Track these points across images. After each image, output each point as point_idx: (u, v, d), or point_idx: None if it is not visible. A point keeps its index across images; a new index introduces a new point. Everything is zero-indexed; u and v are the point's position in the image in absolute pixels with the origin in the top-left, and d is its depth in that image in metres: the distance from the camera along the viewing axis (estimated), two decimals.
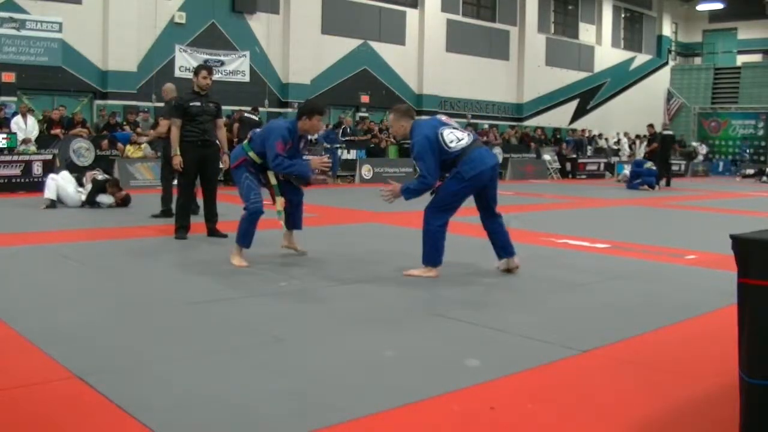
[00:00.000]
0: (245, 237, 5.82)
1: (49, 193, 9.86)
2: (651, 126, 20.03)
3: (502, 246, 5.61)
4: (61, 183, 10.06)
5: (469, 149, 5.36)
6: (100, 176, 10.40)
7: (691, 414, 2.84)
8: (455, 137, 5.40)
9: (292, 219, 6.13)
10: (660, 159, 18.78)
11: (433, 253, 5.42)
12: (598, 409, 2.85)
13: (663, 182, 18.74)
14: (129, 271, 5.60)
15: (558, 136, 24.65)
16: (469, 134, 5.54)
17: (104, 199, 9.97)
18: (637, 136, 27.98)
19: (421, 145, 5.31)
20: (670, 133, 19.64)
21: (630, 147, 26.71)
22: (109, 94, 17.46)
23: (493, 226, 5.65)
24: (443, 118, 5.71)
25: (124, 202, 10.05)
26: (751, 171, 25.58)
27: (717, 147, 29.93)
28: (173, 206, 8.67)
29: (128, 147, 14.65)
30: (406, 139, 5.72)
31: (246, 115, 15.88)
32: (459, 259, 6.44)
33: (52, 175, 10.40)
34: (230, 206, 10.03)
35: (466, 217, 10.20)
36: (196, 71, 7.35)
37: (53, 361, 3.19)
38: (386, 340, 3.72)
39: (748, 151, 28.69)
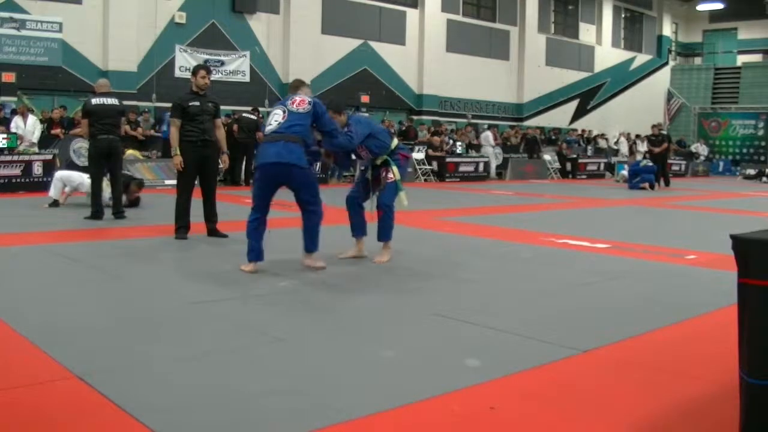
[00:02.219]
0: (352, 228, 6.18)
1: (54, 192, 9.86)
2: (657, 126, 19.98)
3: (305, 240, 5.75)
4: (73, 176, 10.04)
5: (264, 139, 5.61)
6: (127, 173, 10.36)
7: (691, 414, 2.84)
8: (271, 120, 5.57)
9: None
10: (657, 159, 18.80)
11: (247, 249, 5.51)
12: (598, 409, 2.85)
13: (662, 182, 18.71)
14: (129, 271, 5.60)
15: (554, 137, 24.64)
16: (279, 123, 5.47)
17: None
18: (637, 136, 27.97)
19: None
20: (664, 133, 19.59)
21: (630, 148, 26.63)
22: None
23: (304, 218, 5.76)
24: (296, 99, 5.60)
25: (133, 203, 9.90)
26: (752, 171, 25.49)
27: (717, 147, 29.93)
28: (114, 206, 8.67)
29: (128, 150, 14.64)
30: None
31: (244, 115, 15.88)
32: (458, 258, 6.44)
33: (58, 174, 10.34)
34: (230, 206, 10.04)
35: (463, 216, 10.21)
36: (195, 71, 7.35)
37: (53, 361, 3.19)
38: (386, 340, 3.72)
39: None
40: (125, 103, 17.20)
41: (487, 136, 21.59)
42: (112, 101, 8.84)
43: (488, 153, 21.21)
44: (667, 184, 18.62)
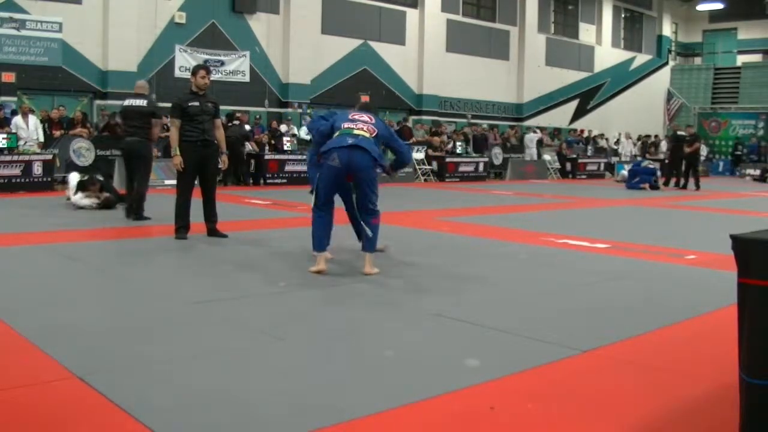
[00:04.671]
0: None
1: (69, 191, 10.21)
2: (690, 126, 20.02)
3: None
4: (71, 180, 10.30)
5: None
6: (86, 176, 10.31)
7: (691, 414, 2.84)
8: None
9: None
10: (673, 159, 18.78)
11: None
12: (598, 409, 2.85)
13: (672, 183, 18.60)
14: (129, 271, 5.60)
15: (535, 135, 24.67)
16: None
17: (85, 201, 9.73)
18: (639, 137, 27.99)
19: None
20: (683, 134, 19.52)
21: (632, 148, 26.63)
22: (109, 94, 17.45)
23: None
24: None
25: (106, 204, 9.74)
26: (756, 172, 25.35)
27: (717, 147, 29.93)
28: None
29: None
30: None
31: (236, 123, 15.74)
32: (458, 258, 6.45)
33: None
34: (230, 206, 10.04)
35: (463, 216, 10.21)
36: (194, 71, 7.34)
37: (53, 361, 3.19)
38: (386, 340, 3.72)
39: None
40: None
41: (533, 138, 22.17)
42: (140, 102, 8.96)
43: (533, 155, 21.89)
44: (677, 185, 18.03)
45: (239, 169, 15.54)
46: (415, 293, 4.96)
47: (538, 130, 23.92)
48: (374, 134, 5.55)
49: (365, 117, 5.66)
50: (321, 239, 5.50)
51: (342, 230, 6.31)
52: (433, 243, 7.41)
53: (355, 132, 5.46)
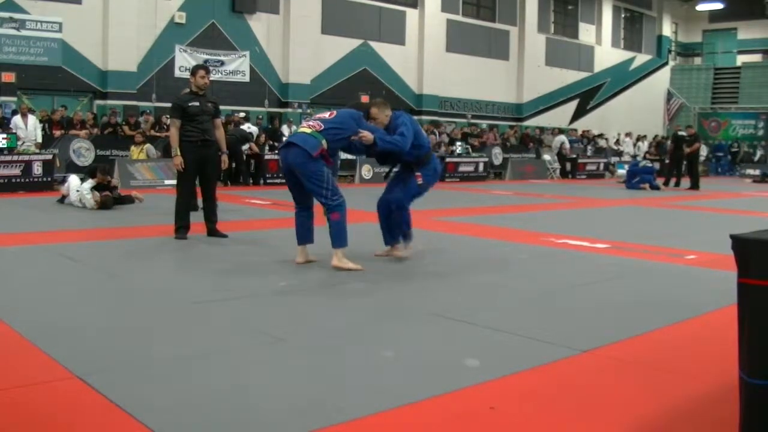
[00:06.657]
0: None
1: (64, 189, 10.36)
2: (690, 127, 20.22)
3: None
4: (72, 181, 10.30)
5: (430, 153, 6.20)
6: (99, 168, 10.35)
7: (691, 414, 2.84)
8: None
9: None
10: (673, 159, 18.76)
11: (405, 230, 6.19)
12: (598, 409, 2.85)
13: (672, 182, 18.60)
14: (129, 271, 5.60)
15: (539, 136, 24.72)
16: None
17: (89, 197, 9.69)
18: (639, 137, 28.01)
19: (410, 123, 5.88)
20: (684, 134, 19.53)
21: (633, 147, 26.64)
22: (109, 94, 17.47)
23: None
24: None
25: (104, 204, 9.71)
26: (756, 172, 25.27)
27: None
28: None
29: (132, 148, 14.65)
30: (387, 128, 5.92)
31: (244, 127, 15.61)
32: (457, 258, 6.45)
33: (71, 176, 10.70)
34: (230, 206, 10.04)
35: (463, 216, 10.20)
36: (194, 71, 7.35)
37: (53, 361, 3.19)
38: (386, 340, 3.72)
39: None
40: (124, 103, 17.44)
41: (561, 140, 22.52)
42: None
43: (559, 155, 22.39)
44: (696, 186, 17.93)
45: (239, 170, 15.53)
46: (414, 293, 4.96)
47: (564, 133, 24.27)
48: (320, 129, 5.52)
49: (318, 115, 5.78)
50: (300, 234, 5.87)
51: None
52: (432, 243, 7.40)
53: (299, 131, 5.67)
